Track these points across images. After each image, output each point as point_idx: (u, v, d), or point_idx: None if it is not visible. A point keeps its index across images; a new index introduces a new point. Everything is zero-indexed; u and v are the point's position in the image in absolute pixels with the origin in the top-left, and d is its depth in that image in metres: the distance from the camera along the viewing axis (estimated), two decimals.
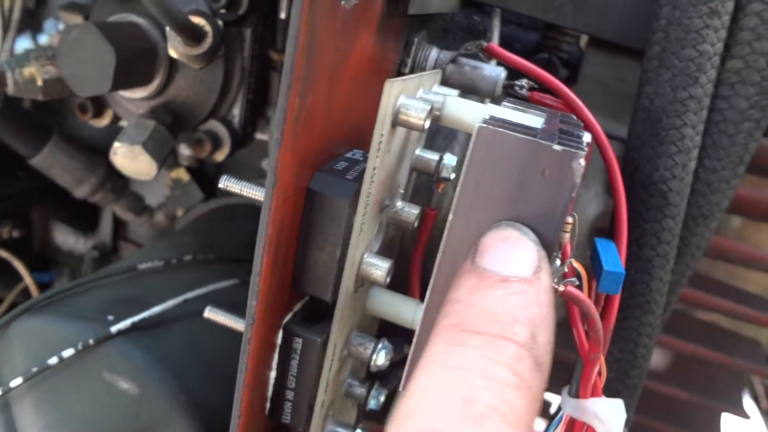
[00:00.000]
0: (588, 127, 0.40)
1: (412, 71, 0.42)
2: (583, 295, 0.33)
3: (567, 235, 0.35)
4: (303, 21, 0.26)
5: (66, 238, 0.83)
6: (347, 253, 0.32)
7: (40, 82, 0.55)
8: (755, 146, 0.42)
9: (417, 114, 0.30)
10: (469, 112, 0.33)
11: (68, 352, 0.45)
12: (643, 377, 0.46)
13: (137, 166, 0.55)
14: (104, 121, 0.62)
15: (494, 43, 0.48)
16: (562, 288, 0.32)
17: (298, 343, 0.35)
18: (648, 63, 0.41)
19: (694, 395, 0.69)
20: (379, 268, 0.33)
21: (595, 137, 0.40)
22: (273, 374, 0.36)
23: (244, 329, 0.31)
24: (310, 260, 0.33)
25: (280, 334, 0.35)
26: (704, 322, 0.73)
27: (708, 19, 0.39)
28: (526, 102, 0.42)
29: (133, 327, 0.47)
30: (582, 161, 0.26)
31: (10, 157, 0.65)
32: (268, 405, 0.37)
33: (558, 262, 0.34)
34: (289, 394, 0.36)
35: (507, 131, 0.27)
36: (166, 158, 0.57)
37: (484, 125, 0.27)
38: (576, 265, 0.36)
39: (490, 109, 0.32)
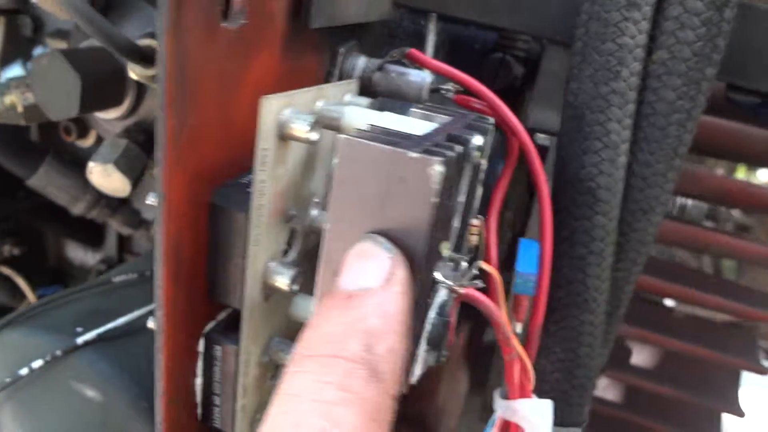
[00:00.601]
0: (509, 127, 0.40)
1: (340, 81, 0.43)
2: (482, 297, 0.33)
3: (475, 238, 0.36)
4: (167, 46, 0.27)
5: (76, 252, 0.88)
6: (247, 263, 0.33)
7: (20, 109, 0.58)
8: (689, 137, 0.40)
9: (300, 127, 0.31)
10: (384, 124, 0.33)
11: (37, 363, 0.48)
12: (591, 376, 0.45)
13: (112, 184, 0.58)
14: (89, 141, 0.66)
15: (430, 47, 0.48)
16: (462, 290, 0.33)
17: (218, 351, 0.36)
18: (573, 59, 0.41)
19: (686, 394, 0.67)
20: (284, 275, 0.34)
21: (517, 136, 0.40)
22: (199, 381, 0.37)
23: (155, 339, 0.33)
24: (219, 271, 0.34)
25: (202, 342, 0.36)
26: (696, 318, 0.71)
27: (626, 11, 0.38)
28: (451, 106, 0.42)
29: (99, 338, 0.50)
30: (438, 167, 0.26)
31: (11, 178, 0.69)
32: (200, 410, 0.38)
33: (464, 264, 0.35)
34: (217, 400, 0.38)
35: (367, 141, 0.27)
36: (140, 175, 0.59)
37: (345, 137, 0.27)
38: (486, 267, 0.36)
39: (379, 118, 0.33)
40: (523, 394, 0.39)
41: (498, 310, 0.33)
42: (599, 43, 0.38)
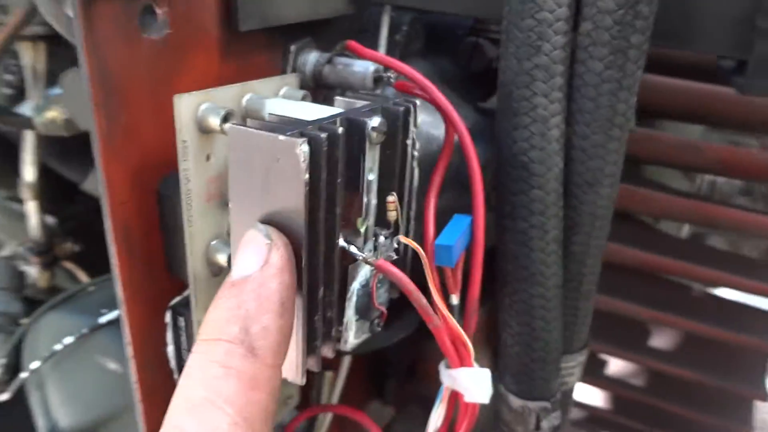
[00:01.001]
0: (440, 108, 0.42)
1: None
2: (390, 268, 0.35)
3: (393, 213, 0.38)
4: (86, 58, 0.32)
5: None
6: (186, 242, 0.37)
7: (60, 122, 0.67)
8: (624, 107, 0.40)
9: (213, 120, 0.35)
10: (287, 113, 0.37)
11: (68, 340, 0.56)
12: (551, 349, 0.45)
13: None
14: None
15: (383, 38, 0.51)
16: (374, 262, 0.35)
17: (181, 321, 0.41)
18: (501, 37, 0.42)
19: (709, 377, 0.64)
20: (224, 253, 0.38)
21: (446, 115, 0.42)
22: (171, 348, 0.42)
23: (120, 313, 0.39)
24: (170, 250, 0.39)
25: (168, 314, 0.42)
26: (717, 299, 0.68)
27: None
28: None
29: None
30: (304, 147, 0.29)
31: (68, 184, 0.79)
32: (176, 375, 0.44)
33: (382, 239, 0.38)
34: None
35: (250, 128, 0.31)
36: None
37: (231, 125, 0.31)
38: (405, 240, 0.38)
39: (286, 108, 0.36)
40: (463, 364, 0.41)
41: (405, 279, 0.35)
42: (519, 19, 0.39)
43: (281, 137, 0.30)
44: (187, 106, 0.35)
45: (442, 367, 0.42)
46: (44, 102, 0.67)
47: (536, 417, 0.47)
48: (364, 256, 0.36)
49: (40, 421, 0.60)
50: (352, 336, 0.39)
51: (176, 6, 0.36)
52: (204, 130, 0.36)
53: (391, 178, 0.39)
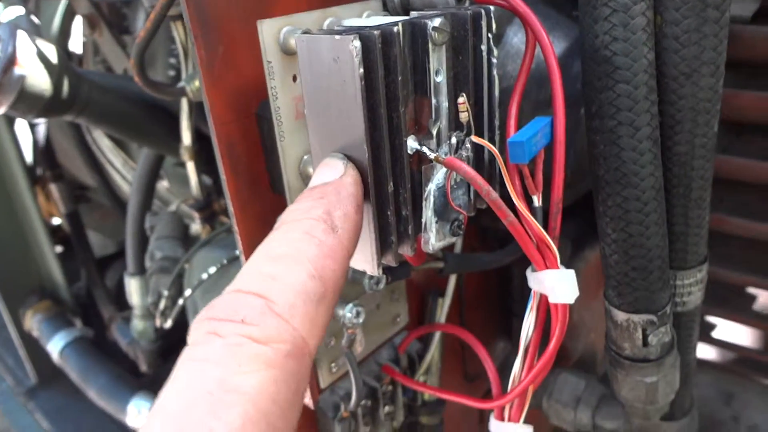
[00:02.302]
0: (517, 12, 0.42)
1: (384, 6, 0.49)
2: (459, 163, 0.36)
3: (465, 114, 0.39)
4: None
5: None
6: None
7: None
8: None
9: (293, 41, 0.38)
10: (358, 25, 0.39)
11: (212, 269, 0.64)
12: (652, 257, 0.43)
13: None
14: None
15: None
16: (443, 159, 0.37)
17: None
18: None
19: None
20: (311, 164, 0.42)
21: (524, 19, 0.41)
22: None
23: (230, 221, 0.44)
24: (270, 167, 0.44)
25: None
26: None
27: None
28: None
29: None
30: (356, 42, 0.32)
31: None
32: None
33: (453, 139, 0.39)
34: None
35: (313, 35, 0.34)
36: None
37: (299, 34, 0.34)
38: (477, 139, 0.39)
39: (357, 21, 0.39)
40: (548, 265, 0.40)
41: (473, 174, 0.36)
42: None
43: (337, 37, 0.32)
44: (269, 30, 0.39)
45: (529, 272, 0.42)
46: (193, 72, 0.77)
47: (642, 332, 0.45)
48: (435, 154, 0.37)
49: None
50: (434, 237, 0.40)
51: None
52: (287, 52, 0.40)
53: (465, 82, 0.40)
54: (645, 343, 0.46)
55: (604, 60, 0.39)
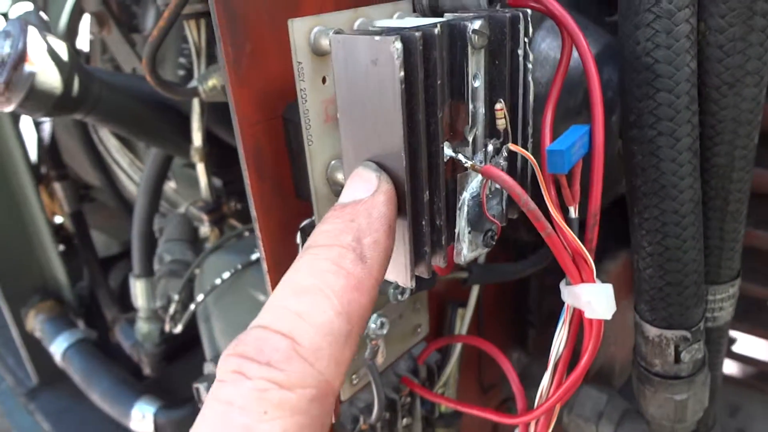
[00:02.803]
0: (555, 17, 0.40)
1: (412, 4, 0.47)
2: (497, 172, 0.35)
3: (502, 121, 0.38)
4: None
5: None
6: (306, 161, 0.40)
7: (220, 89, 0.75)
8: None
9: (324, 42, 0.37)
10: (392, 26, 0.38)
11: (226, 274, 0.63)
12: (688, 272, 0.42)
13: None
14: None
15: None
16: (480, 167, 0.36)
17: None
18: None
19: None
20: (343, 172, 0.41)
21: (561, 23, 0.40)
22: None
23: (253, 227, 0.43)
24: (296, 171, 0.43)
25: (299, 235, 0.45)
26: None
27: None
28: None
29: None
30: (397, 44, 0.30)
31: (230, 149, 0.88)
32: None
33: (489, 147, 0.38)
34: None
35: (350, 35, 0.32)
36: None
37: (334, 34, 0.33)
38: (515, 147, 0.38)
39: (391, 22, 0.37)
40: (584, 279, 0.39)
41: (512, 183, 0.35)
42: None
43: (377, 38, 0.31)
44: (300, 30, 0.37)
45: (562, 285, 0.41)
46: (206, 72, 0.76)
47: (675, 348, 0.44)
48: (471, 162, 0.36)
49: (207, 352, 0.68)
50: (466, 248, 0.39)
51: None
52: (318, 53, 0.38)
53: (501, 88, 0.38)
54: (677, 360, 0.44)
55: (645, 67, 0.38)
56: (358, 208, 0.33)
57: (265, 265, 0.44)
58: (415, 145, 0.34)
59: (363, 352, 0.47)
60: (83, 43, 1.22)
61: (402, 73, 0.31)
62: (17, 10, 0.89)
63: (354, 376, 0.50)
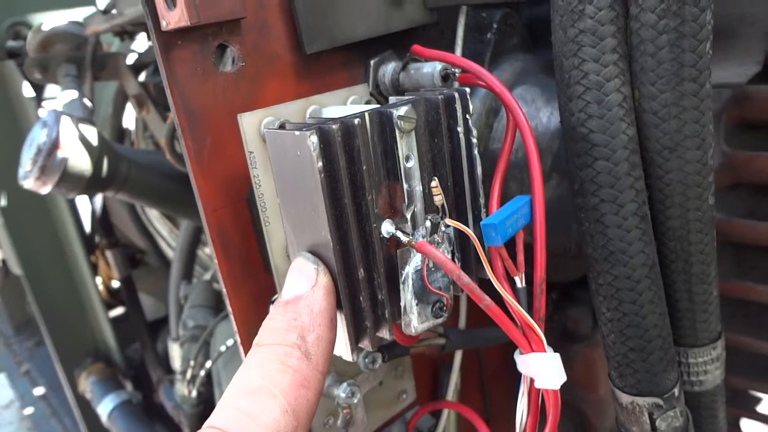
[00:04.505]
0: (494, 91, 0.42)
1: (377, 88, 0.50)
2: (429, 248, 0.36)
3: (438, 198, 0.39)
4: (169, 92, 0.40)
5: None
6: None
7: None
8: (692, 57, 0.36)
9: None
10: (334, 115, 0.41)
11: (230, 342, 0.66)
12: (650, 337, 0.41)
13: None
14: None
15: (459, 38, 0.52)
16: (415, 242, 0.37)
17: None
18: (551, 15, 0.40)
19: None
20: None
21: (501, 99, 0.42)
22: None
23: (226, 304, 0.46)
24: (262, 251, 0.45)
25: (272, 308, 0.47)
26: None
27: None
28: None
29: None
30: (313, 137, 0.33)
31: None
32: None
33: (428, 223, 0.39)
34: None
35: (279, 130, 0.35)
36: None
37: (266, 129, 0.36)
38: (451, 222, 0.39)
39: (331, 112, 0.40)
40: (534, 348, 0.39)
41: (442, 258, 0.36)
42: None
43: (297, 132, 0.34)
44: (250, 123, 0.40)
45: (516, 354, 0.41)
46: None
47: (649, 415, 0.43)
48: (409, 238, 0.37)
49: None
50: (416, 320, 0.40)
51: (247, 41, 0.43)
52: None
53: (443, 164, 0.40)
54: (654, 428, 0.43)
55: (581, 137, 0.39)
56: (300, 305, 0.36)
57: (238, 338, 0.46)
58: (345, 226, 0.36)
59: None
60: (130, 122, 1.32)
61: (320, 164, 0.33)
62: (64, 98, 0.98)
63: None
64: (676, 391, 0.43)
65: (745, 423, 0.72)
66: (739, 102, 0.55)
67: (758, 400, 0.69)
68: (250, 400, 0.32)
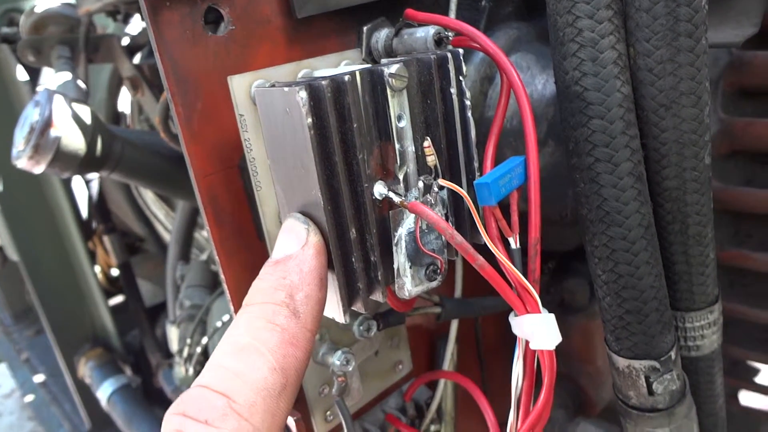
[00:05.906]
0: (489, 54, 0.41)
1: (369, 55, 0.49)
2: (422, 208, 0.36)
3: (431, 158, 0.39)
4: (158, 56, 0.39)
5: None
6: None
7: None
8: (688, 11, 0.35)
9: None
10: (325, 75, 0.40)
11: (226, 317, 0.65)
12: (646, 298, 0.41)
13: None
14: None
15: (452, 2, 0.51)
16: (407, 203, 0.37)
17: None
18: None
19: None
20: None
21: (495, 60, 0.41)
22: None
23: (219, 271, 0.45)
24: (255, 218, 0.45)
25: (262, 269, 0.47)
26: None
27: None
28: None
29: None
30: (302, 93, 0.32)
31: None
32: None
33: (420, 183, 0.39)
34: None
35: (269, 87, 0.35)
36: None
37: (256, 87, 0.35)
38: (444, 182, 0.38)
39: (320, 72, 0.39)
40: (529, 310, 0.39)
41: (435, 218, 0.36)
42: None
43: (285, 89, 0.33)
44: (240, 85, 0.40)
45: (511, 317, 0.41)
46: None
47: (646, 379, 0.42)
48: (401, 199, 0.37)
49: None
50: (409, 283, 0.40)
51: (237, 4, 0.42)
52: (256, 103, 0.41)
53: (436, 126, 0.39)
54: (651, 392, 0.43)
55: (576, 96, 0.38)
56: (289, 264, 0.35)
57: (231, 306, 0.46)
58: (336, 186, 0.35)
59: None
60: (125, 105, 1.31)
61: (310, 120, 0.33)
62: (57, 80, 0.97)
63: (328, 413, 0.50)
64: (672, 354, 0.43)
65: (744, 395, 0.72)
66: (737, 68, 0.54)
67: (756, 371, 0.69)
68: (237, 358, 0.32)
